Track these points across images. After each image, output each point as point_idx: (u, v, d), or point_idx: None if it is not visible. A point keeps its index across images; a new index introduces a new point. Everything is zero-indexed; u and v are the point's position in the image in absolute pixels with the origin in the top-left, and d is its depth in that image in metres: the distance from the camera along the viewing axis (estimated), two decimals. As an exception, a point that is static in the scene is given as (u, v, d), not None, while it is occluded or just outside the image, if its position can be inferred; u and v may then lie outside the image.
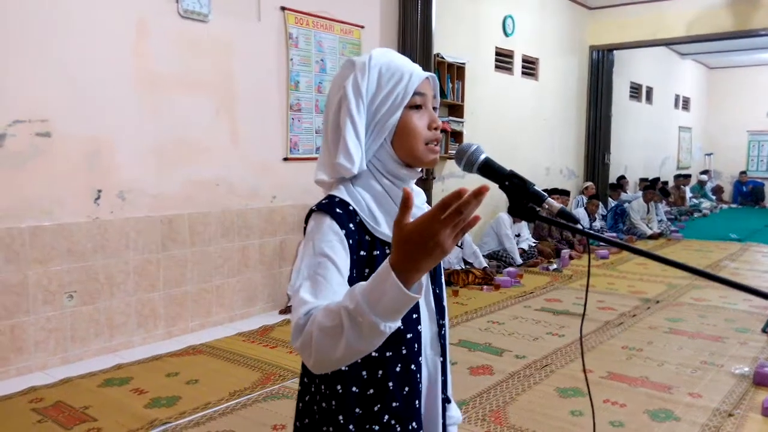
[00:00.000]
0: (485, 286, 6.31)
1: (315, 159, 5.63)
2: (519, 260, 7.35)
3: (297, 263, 1.14)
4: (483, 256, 6.82)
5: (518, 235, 7.68)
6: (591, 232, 1.17)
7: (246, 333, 4.73)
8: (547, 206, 1.18)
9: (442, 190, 7.07)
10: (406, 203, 0.89)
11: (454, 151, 1.09)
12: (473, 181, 7.63)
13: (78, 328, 4.10)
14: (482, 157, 1.24)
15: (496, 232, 7.44)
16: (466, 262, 6.63)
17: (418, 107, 1.21)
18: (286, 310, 5.32)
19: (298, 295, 1.06)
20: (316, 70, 5.63)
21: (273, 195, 5.36)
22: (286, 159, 5.43)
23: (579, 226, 1.18)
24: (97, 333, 4.20)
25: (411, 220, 1.21)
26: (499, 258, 7.27)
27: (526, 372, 3.96)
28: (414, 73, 1.20)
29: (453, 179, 7.33)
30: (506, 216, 7.45)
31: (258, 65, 5.15)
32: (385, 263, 0.90)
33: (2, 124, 3.70)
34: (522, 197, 1.21)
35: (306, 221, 1.20)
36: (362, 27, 6.03)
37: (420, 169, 1.25)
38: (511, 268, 7.00)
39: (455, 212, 0.85)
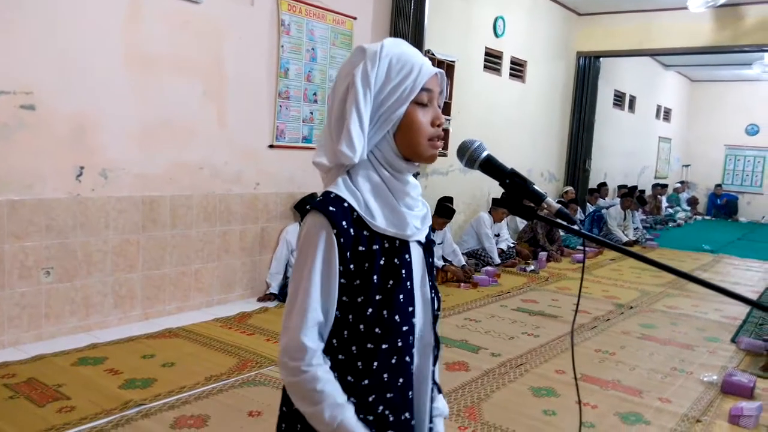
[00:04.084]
0: (463, 284, 6.36)
1: (301, 148, 5.63)
2: (497, 260, 7.41)
3: (295, 278, 1.19)
4: (462, 254, 6.86)
5: (497, 235, 7.74)
6: (588, 233, 1.20)
7: (223, 319, 4.71)
8: (546, 206, 1.20)
9: (425, 186, 7.09)
10: None
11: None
12: (457, 179, 7.68)
13: (53, 305, 4.05)
14: (484, 154, 1.26)
15: (476, 231, 7.49)
16: (445, 260, 6.67)
17: (424, 103, 1.21)
18: (265, 297, 5.31)
19: (296, 333, 1.16)
20: (306, 59, 5.60)
21: (257, 182, 5.33)
22: (271, 146, 5.40)
23: (575, 227, 1.21)
24: (72, 311, 4.15)
25: (407, 211, 1.23)
26: (477, 257, 7.33)
27: (501, 370, 4.01)
28: (423, 68, 1.20)
29: (437, 176, 7.36)
30: (487, 215, 7.51)
31: (248, 50, 5.11)
32: None
33: (-15, 94, 3.64)
34: (522, 196, 1.23)
35: (302, 216, 1.21)
36: (354, 18, 6.01)
37: (417, 163, 1.26)
38: (489, 267, 7.05)
39: None
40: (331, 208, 1.16)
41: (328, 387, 1.15)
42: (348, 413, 1.16)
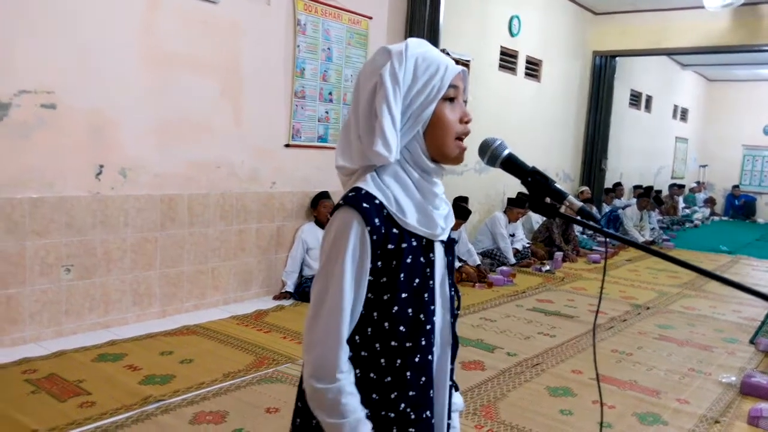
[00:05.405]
0: (478, 284, 6.35)
1: (316, 147, 5.65)
2: (512, 260, 7.39)
3: (324, 275, 1.17)
4: (477, 253, 6.85)
5: (512, 235, 7.73)
6: (610, 232, 1.20)
7: (240, 316, 4.74)
8: (567, 203, 1.21)
9: (440, 185, 7.08)
10: None
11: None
12: (472, 179, 7.67)
13: (73, 302, 4.10)
14: (506, 152, 1.27)
15: (491, 230, 7.47)
16: (460, 259, 6.67)
17: (451, 99, 1.21)
18: (280, 296, 5.34)
19: (327, 348, 1.16)
20: (322, 58, 5.62)
21: (273, 181, 5.36)
22: (287, 145, 5.43)
23: (598, 226, 1.21)
24: (91, 308, 4.20)
25: (434, 210, 1.22)
26: (492, 256, 7.31)
27: (517, 369, 4.00)
28: (449, 66, 1.20)
29: (452, 176, 7.34)
30: (502, 215, 7.49)
31: (265, 50, 5.14)
32: None
33: (8, 93, 3.68)
34: (543, 194, 1.24)
35: (331, 213, 1.21)
36: (370, 18, 6.03)
37: (444, 166, 1.25)
38: (504, 267, 7.03)
39: None
40: (364, 205, 1.15)
41: (351, 401, 1.15)
42: (366, 429, 1.17)
